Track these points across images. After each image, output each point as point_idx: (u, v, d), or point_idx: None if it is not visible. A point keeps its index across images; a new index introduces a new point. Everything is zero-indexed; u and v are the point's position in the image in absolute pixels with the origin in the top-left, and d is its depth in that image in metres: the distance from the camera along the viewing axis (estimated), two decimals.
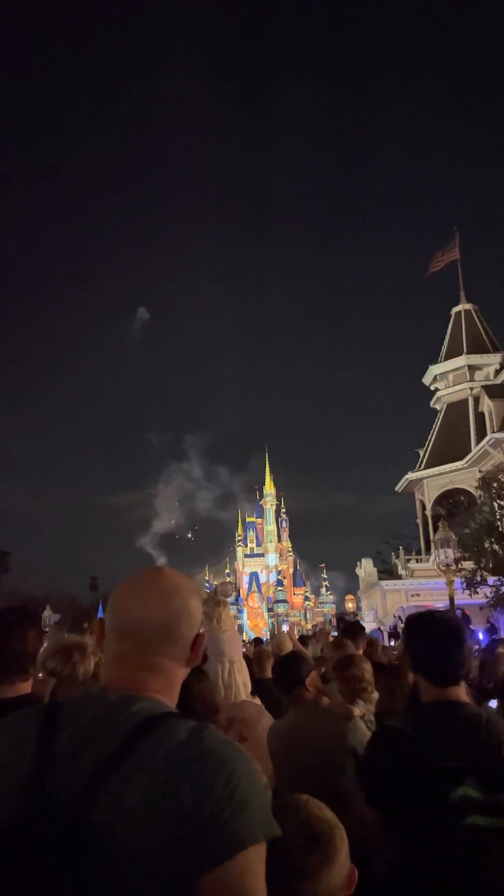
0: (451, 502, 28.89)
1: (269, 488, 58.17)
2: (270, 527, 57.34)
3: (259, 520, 58.19)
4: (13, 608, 2.60)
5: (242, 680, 4.02)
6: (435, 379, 33.37)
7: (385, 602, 25.34)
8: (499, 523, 18.70)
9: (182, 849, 1.00)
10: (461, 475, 28.87)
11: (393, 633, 23.65)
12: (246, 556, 56.91)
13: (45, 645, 2.80)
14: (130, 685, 1.21)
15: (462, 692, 2.25)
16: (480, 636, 14.54)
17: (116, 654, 1.26)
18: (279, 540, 57.55)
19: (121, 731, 1.10)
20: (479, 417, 29.34)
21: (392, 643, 17.08)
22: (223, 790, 1.03)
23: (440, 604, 20.15)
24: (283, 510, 58.65)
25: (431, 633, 2.27)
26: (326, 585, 54.58)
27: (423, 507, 31.24)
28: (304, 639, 9.65)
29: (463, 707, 2.20)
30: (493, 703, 4.99)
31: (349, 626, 6.20)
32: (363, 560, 30.13)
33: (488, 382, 30.05)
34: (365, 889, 1.54)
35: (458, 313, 33.49)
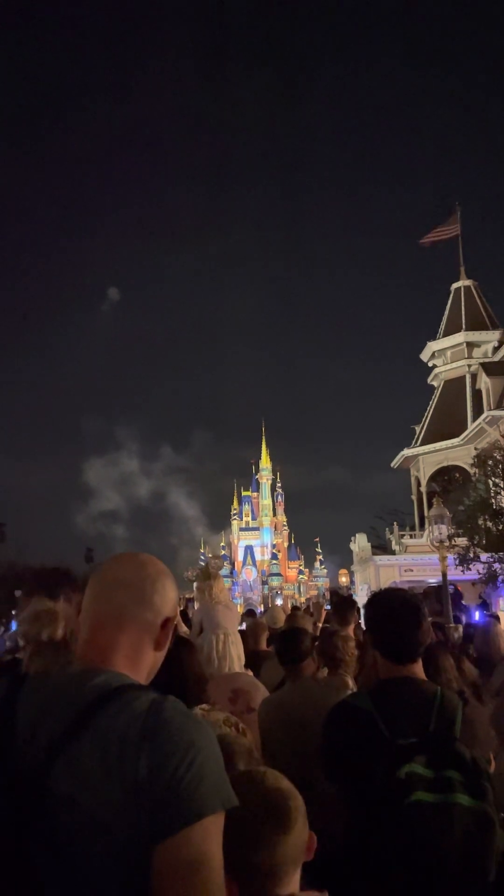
0: (446, 479, 28.97)
1: (266, 463, 58.25)
2: (266, 501, 57.53)
3: (255, 494, 58.34)
4: (52, 569, 2.47)
5: (237, 652, 4.07)
6: (433, 355, 33.23)
7: (378, 577, 25.50)
8: (493, 501, 18.79)
9: (139, 818, 1.02)
10: (457, 452, 28.90)
11: None
12: (241, 529, 57.16)
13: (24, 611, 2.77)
14: (97, 659, 1.23)
15: (419, 670, 2.29)
16: (477, 615, 14.65)
17: (91, 621, 1.28)
18: (274, 514, 57.78)
19: (80, 702, 1.12)
20: (477, 394, 29.28)
21: None
22: (181, 761, 1.05)
23: (433, 579, 20.31)
24: (279, 485, 58.81)
25: (390, 612, 2.30)
26: (321, 559, 54.94)
27: (418, 484, 31.33)
28: (295, 609, 9.75)
29: (419, 684, 2.25)
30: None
31: (340, 602, 6.25)
32: (357, 535, 30.27)
33: (486, 360, 29.94)
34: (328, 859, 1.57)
35: (458, 289, 33.23)
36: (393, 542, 28.97)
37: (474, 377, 29.85)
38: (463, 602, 20.67)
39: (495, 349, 30.70)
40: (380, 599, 2.40)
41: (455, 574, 18.51)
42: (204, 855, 1.02)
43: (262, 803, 1.47)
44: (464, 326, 31.72)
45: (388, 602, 2.35)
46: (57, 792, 1.04)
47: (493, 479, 18.91)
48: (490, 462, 19.22)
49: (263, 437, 58.69)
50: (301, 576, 54.87)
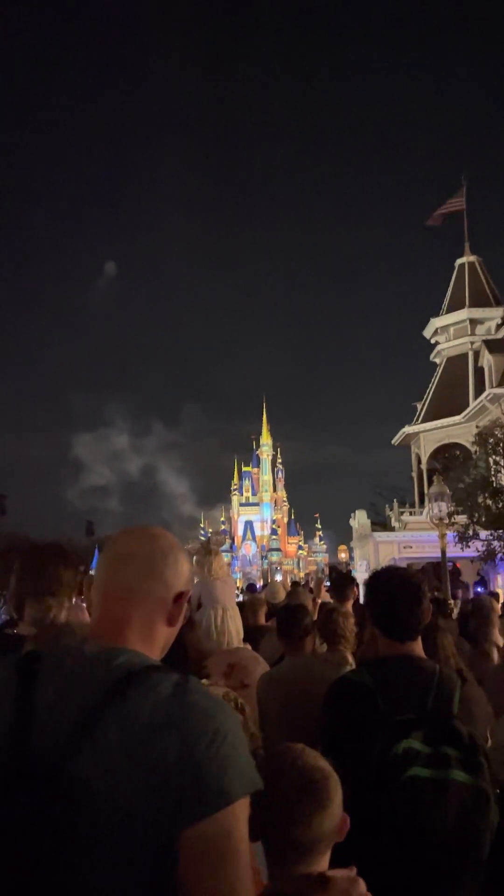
0: (447, 456, 28.94)
1: (266, 439, 58.26)
2: (266, 476, 57.64)
3: (255, 469, 58.42)
4: (46, 546, 2.46)
5: (235, 627, 4.09)
6: (436, 332, 33.03)
7: (377, 553, 25.62)
8: (493, 479, 18.81)
9: (164, 803, 1.00)
10: (458, 430, 28.86)
11: None
12: (241, 504, 57.34)
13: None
14: (112, 637, 1.20)
15: (418, 647, 2.30)
16: (478, 589, 14.77)
17: (103, 594, 1.26)
18: (274, 490, 57.92)
19: (102, 685, 1.09)
20: (479, 372, 29.16)
21: None
22: (207, 746, 1.03)
23: (432, 556, 20.42)
24: (280, 461, 58.87)
25: (391, 590, 2.31)
26: (320, 535, 55.19)
27: (419, 461, 31.34)
28: (295, 585, 9.81)
29: (418, 662, 2.26)
30: None
31: (339, 579, 6.28)
32: (357, 511, 30.35)
33: (489, 337, 29.76)
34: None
35: (462, 265, 32.92)
36: (392, 519, 29.04)
37: (477, 354, 29.70)
38: (461, 579, 20.78)
39: (499, 326, 30.49)
40: (380, 577, 2.40)
41: (454, 551, 18.60)
42: (232, 839, 1.02)
43: (301, 779, 1.49)
44: (467, 303, 31.47)
45: (388, 580, 2.36)
46: (79, 778, 1.02)
47: (493, 456, 18.91)
48: (491, 440, 19.20)
49: (264, 413, 58.62)
50: (300, 551, 55.18)
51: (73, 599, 2.50)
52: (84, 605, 4.04)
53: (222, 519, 57.21)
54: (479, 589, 15.99)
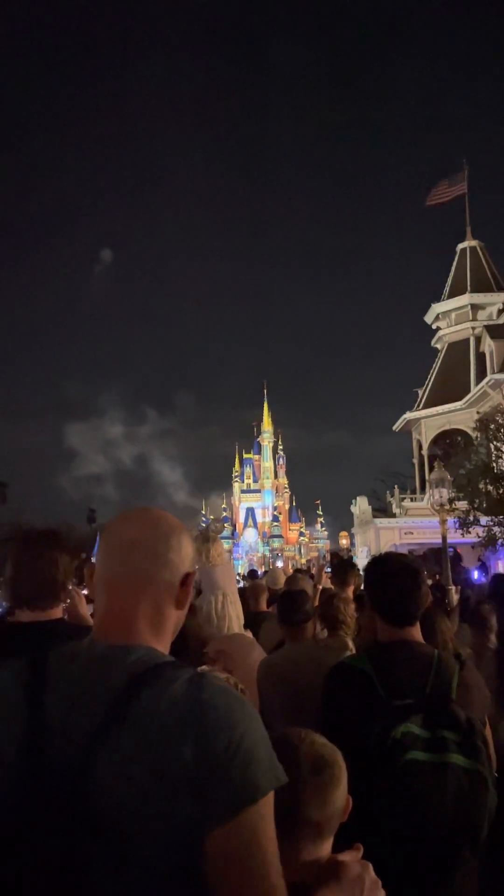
0: (448, 442, 28.93)
1: (267, 425, 58.23)
2: (267, 463, 57.66)
3: (256, 456, 58.45)
4: (42, 531, 2.43)
5: (236, 612, 4.10)
6: (437, 318, 32.92)
7: (378, 539, 25.68)
8: (494, 464, 18.81)
9: (189, 807, 0.97)
10: (459, 415, 28.83)
11: None
12: (242, 491, 57.42)
13: None
14: (121, 631, 1.16)
15: (417, 632, 2.31)
16: (475, 574, 14.79)
17: (107, 584, 1.21)
18: (276, 476, 57.98)
19: (114, 687, 1.05)
20: (480, 358, 29.10)
21: None
22: (227, 745, 1.00)
23: (433, 542, 20.46)
24: (281, 447, 58.90)
25: (390, 575, 2.32)
26: (321, 522, 55.30)
27: (420, 447, 31.34)
28: (296, 572, 9.83)
29: (417, 647, 2.27)
30: None
31: (340, 564, 6.28)
32: (358, 497, 30.40)
33: (491, 322, 29.66)
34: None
35: (464, 250, 32.75)
36: (393, 505, 29.10)
37: (478, 340, 29.61)
38: (462, 564, 20.84)
39: (500, 311, 30.37)
40: (380, 563, 2.41)
41: (455, 537, 18.63)
42: (259, 835, 0.99)
43: (315, 755, 1.51)
44: (469, 288, 31.34)
45: (388, 565, 2.36)
46: (97, 785, 0.98)
47: (494, 442, 18.89)
48: (492, 426, 19.18)
49: (265, 400, 58.57)
50: (302, 538, 55.30)
51: (71, 587, 2.50)
52: (85, 591, 4.06)
53: (224, 506, 57.29)
54: (476, 572, 16.03)
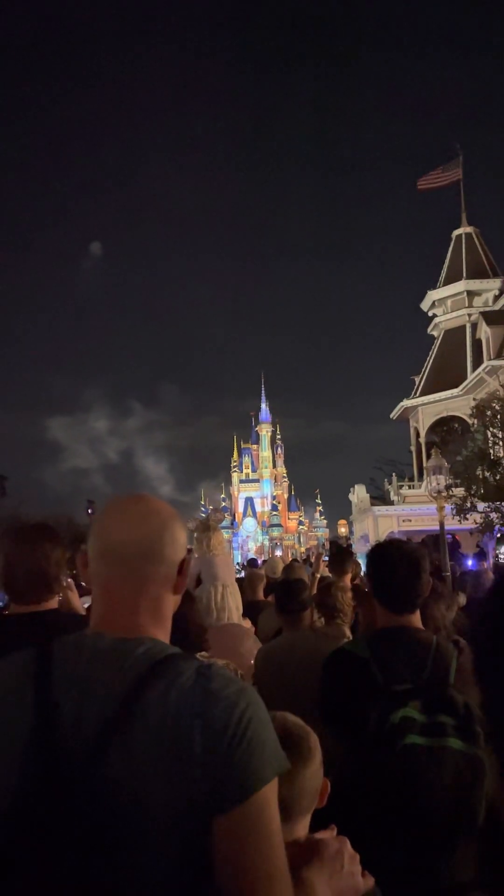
0: (445, 430, 28.98)
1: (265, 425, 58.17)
2: (266, 453, 57.72)
3: (254, 446, 58.48)
4: (34, 525, 2.46)
5: (235, 603, 4.13)
6: (433, 305, 32.83)
7: (377, 527, 25.76)
8: (491, 451, 18.83)
9: (196, 795, 1.00)
10: (456, 402, 28.82)
11: None
12: (241, 481, 57.49)
13: None
14: (123, 625, 1.17)
15: (416, 619, 2.32)
16: (470, 563, 14.86)
17: (104, 582, 1.21)
18: (274, 466, 58.04)
19: (125, 680, 1.07)
20: (477, 344, 29.05)
21: None
22: (234, 734, 1.03)
23: (431, 529, 20.53)
24: (279, 437, 58.91)
25: (391, 563, 2.32)
26: (320, 510, 55.41)
27: (417, 435, 31.35)
28: (294, 561, 9.87)
29: (415, 633, 2.28)
30: None
31: (338, 553, 6.31)
32: (356, 486, 30.46)
33: (487, 308, 29.59)
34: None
35: (459, 237, 32.62)
36: (391, 493, 29.13)
37: (474, 326, 29.55)
38: (460, 551, 20.90)
39: (496, 297, 30.31)
40: (381, 550, 2.41)
41: (452, 524, 18.70)
42: (264, 821, 1.02)
43: (282, 732, 1.50)
44: (464, 274, 31.25)
45: (388, 553, 2.37)
46: (108, 777, 1.01)
47: (491, 429, 18.92)
48: (489, 412, 19.19)
49: (263, 390, 58.50)
50: (301, 526, 55.48)
51: (64, 581, 2.51)
52: (81, 582, 4.07)
53: (223, 495, 57.34)
54: (471, 559, 16.10)
